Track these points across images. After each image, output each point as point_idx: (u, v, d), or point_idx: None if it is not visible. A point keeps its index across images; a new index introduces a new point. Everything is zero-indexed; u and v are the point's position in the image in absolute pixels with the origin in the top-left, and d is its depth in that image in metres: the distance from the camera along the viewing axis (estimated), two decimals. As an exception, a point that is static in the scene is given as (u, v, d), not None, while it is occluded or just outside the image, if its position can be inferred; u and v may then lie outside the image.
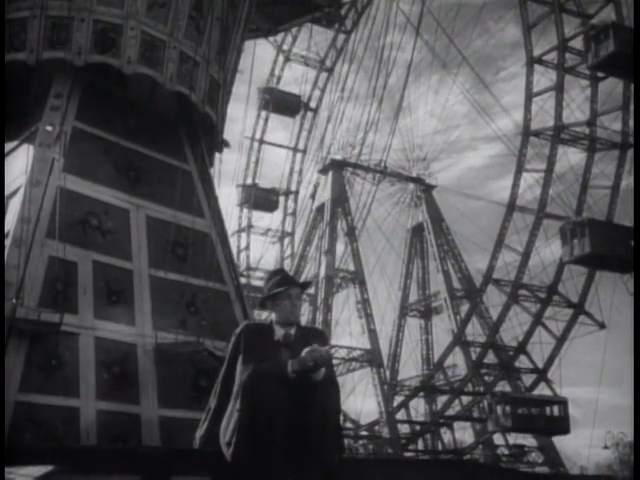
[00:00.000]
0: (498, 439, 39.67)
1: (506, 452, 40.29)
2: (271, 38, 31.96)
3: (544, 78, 40.79)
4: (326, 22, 34.47)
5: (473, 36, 44.06)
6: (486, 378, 41.41)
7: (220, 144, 17.80)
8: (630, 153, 39.08)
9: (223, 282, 15.75)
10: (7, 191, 13.98)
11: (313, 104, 53.24)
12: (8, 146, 15.00)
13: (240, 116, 36.95)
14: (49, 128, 14.30)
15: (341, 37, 50.28)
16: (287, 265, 52.15)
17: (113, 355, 13.38)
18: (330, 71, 51.77)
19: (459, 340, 41.28)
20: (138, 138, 15.62)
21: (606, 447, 41.55)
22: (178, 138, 16.55)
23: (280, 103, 51.32)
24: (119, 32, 14.90)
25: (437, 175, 49.03)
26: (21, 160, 14.20)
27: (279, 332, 4.02)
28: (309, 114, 53.47)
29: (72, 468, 3.87)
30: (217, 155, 17.80)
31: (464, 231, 47.58)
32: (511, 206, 40.35)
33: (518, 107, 42.14)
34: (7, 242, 13.01)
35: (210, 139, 17.21)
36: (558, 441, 39.51)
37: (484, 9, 47.61)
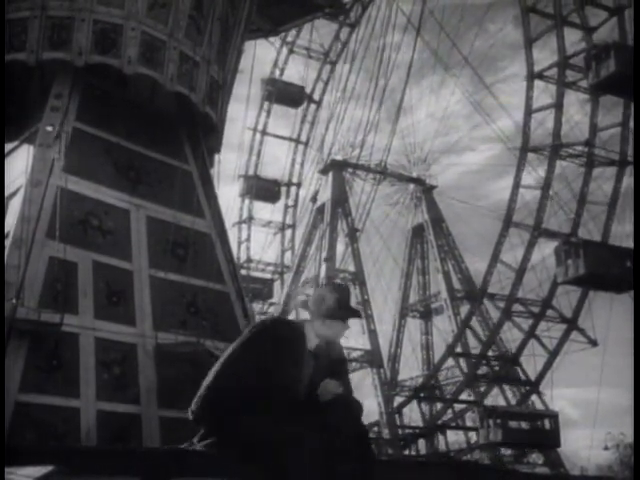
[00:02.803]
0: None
1: (506, 453, 40.30)
2: (271, 39, 31.92)
3: (544, 93, 40.94)
4: (330, 15, 34.37)
5: (473, 37, 44.13)
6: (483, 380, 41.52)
7: (220, 144, 17.80)
8: (628, 170, 39.33)
9: (223, 282, 15.74)
10: (7, 191, 13.98)
11: (316, 96, 53.08)
12: (8, 146, 15.00)
13: (240, 116, 36.99)
14: (49, 128, 14.30)
15: (345, 30, 50.11)
16: (287, 259, 52.23)
17: (113, 355, 13.37)
18: (334, 64, 51.64)
19: (452, 351, 41.47)
20: (138, 138, 15.61)
21: (606, 448, 41.58)
22: (178, 138, 16.54)
23: (283, 94, 51.15)
24: (119, 32, 14.90)
25: (437, 176, 49.06)
26: (21, 160, 14.20)
27: (313, 341, 4.01)
28: (312, 107, 53.34)
29: (72, 469, 3.86)
30: (217, 156, 17.79)
31: (459, 233, 47.53)
32: (507, 222, 40.47)
33: (517, 108, 42.25)
34: (7, 242, 13.01)
35: (210, 139, 17.20)
36: (558, 442, 39.53)
37: (482, 9, 47.78)
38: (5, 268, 12.43)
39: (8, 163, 14.54)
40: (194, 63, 15.94)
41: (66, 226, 13.41)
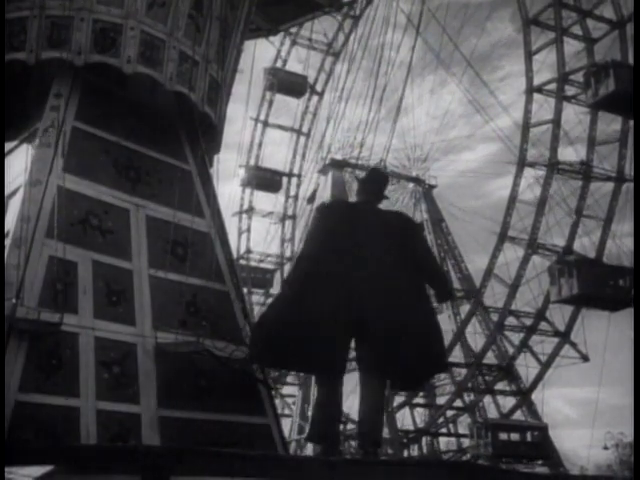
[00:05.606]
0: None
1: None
2: (271, 38, 31.91)
3: (543, 106, 41.18)
4: (330, 13, 34.19)
5: (470, 35, 44.36)
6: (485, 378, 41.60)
7: (220, 144, 17.79)
8: (624, 186, 39.61)
9: (223, 282, 15.74)
10: (7, 191, 13.97)
11: (319, 87, 52.93)
12: (8, 146, 14.99)
13: (240, 116, 36.96)
14: (49, 128, 14.28)
15: (349, 21, 50.00)
16: (287, 249, 52.23)
17: (113, 355, 13.36)
18: (337, 55, 51.56)
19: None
20: (138, 138, 15.60)
21: (606, 447, 41.66)
22: (178, 138, 16.54)
23: (285, 83, 51.02)
24: (119, 31, 14.88)
25: (437, 177, 49.19)
26: (21, 160, 14.19)
27: None
28: (314, 99, 53.19)
29: (72, 468, 3.87)
30: (216, 155, 17.77)
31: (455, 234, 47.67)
32: (502, 236, 40.59)
33: (515, 105, 42.52)
34: (7, 242, 13.00)
35: (210, 139, 17.19)
36: (558, 441, 39.65)
37: (480, 7, 47.86)
38: (5, 268, 12.42)
39: (8, 162, 14.54)
40: (193, 62, 15.93)
41: (66, 225, 13.41)
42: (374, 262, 6.29)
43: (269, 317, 6.93)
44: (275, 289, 50.59)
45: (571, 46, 39.64)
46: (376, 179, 6.87)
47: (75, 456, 4.26)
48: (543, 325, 40.23)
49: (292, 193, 53.04)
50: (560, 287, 35.69)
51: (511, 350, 40.77)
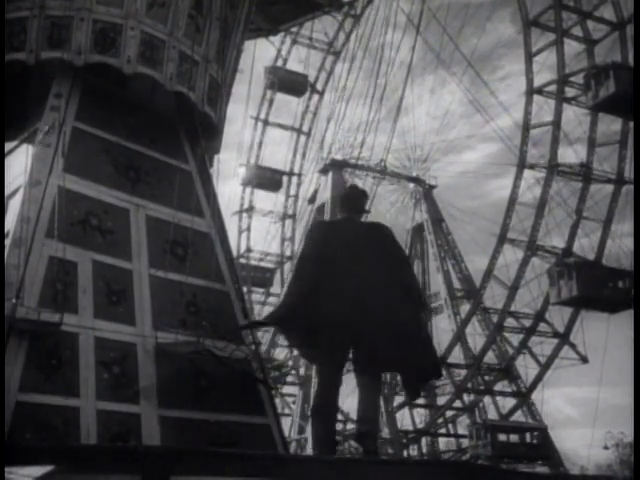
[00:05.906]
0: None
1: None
2: (271, 38, 31.92)
3: (543, 106, 41.28)
4: (330, 13, 34.25)
5: (470, 35, 44.49)
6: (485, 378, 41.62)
7: (219, 144, 17.79)
8: (624, 188, 39.69)
9: (223, 282, 15.74)
10: (7, 191, 13.97)
11: (319, 87, 52.98)
12: (8, 146, 14.99)
13: (239, 117, 36.96)
14: (48, 128, 14.27)
15: (349, 20, 50.03)
16: (287, 248, 52.30)
17: (113, 355, 13.36)
18: (337, 54, 51.61)
19: (444, 361, 41.97)
20: (138, 138, 15.60)
21: (606, 447, 41.65)
22: (178, 138, 16.54)
23: (286, 82, 51.07)
24: (119, 32, 14.87)
25: (437, 177, 49.23)
26: (21, 160, 14.19)
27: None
28: (315, 97, 53.23)
29: (72, 468, 3.87)
30: (216, 156, 17.77)
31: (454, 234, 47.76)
32: (502, 238, 40.67)
33: (515, 104, 42.68)
34: (7, 242, 13.00)
35: (210, 138, 17.19)
36: (558, 441, 39.64)
37: (481, 7, 47.99)
38: (5, 268, 12.42)
39: (8, 163, 14.53)
40: (193, 62, 15.93)
41: (66, 225, 13.41)
42: (366, 273, 6.60)
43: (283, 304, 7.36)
44: (275, 288, 50.77)
45: (571, 47, 39.83)
46: (355, 196, 7.33)
47: (75, 456, 4.26)
48: (542, 326, 40.36)
49: (292, 192, 53.30)
50: (559, 289, 35.89)
51: (511, 351, 40.86)
